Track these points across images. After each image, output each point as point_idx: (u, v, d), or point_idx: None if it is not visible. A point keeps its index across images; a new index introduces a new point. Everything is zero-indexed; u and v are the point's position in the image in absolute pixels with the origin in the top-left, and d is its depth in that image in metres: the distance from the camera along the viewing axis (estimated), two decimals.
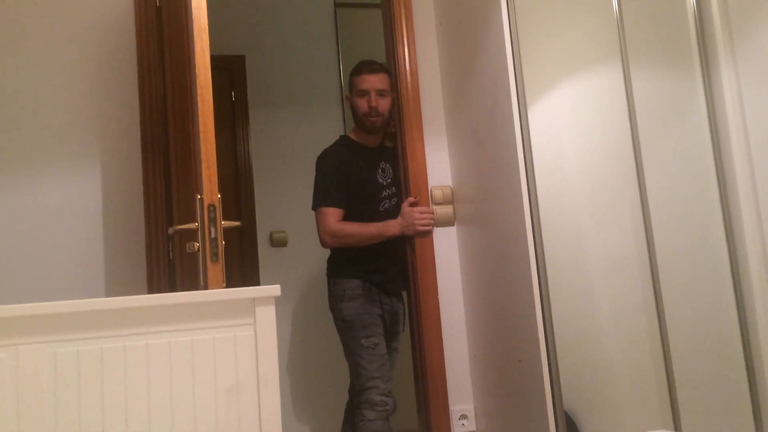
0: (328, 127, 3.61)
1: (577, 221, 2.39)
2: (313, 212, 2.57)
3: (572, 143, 2.42)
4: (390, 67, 2.78)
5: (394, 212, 2.66)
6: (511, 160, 2.18)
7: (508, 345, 2.33)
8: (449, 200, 2.76)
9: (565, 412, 2.10)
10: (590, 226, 2.40)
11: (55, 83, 2.49)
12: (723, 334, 2.33)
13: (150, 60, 2.53)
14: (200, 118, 1.67)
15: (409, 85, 2.76)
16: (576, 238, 2.38)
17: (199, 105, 1.67)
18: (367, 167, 2.63)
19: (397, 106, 2.74)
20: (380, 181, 2.65)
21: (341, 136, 2.74)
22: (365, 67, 2.61)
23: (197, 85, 1.67)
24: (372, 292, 2.54)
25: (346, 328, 2.50)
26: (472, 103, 2.53)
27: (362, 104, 2.58)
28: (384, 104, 2.60)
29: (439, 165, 2.78)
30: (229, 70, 3.70)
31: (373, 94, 2.57)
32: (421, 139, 2.75)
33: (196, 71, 1.68)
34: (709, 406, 2.29)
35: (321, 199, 2.55)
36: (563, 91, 2.41)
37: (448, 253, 2.74)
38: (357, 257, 2.56)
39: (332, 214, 2.52)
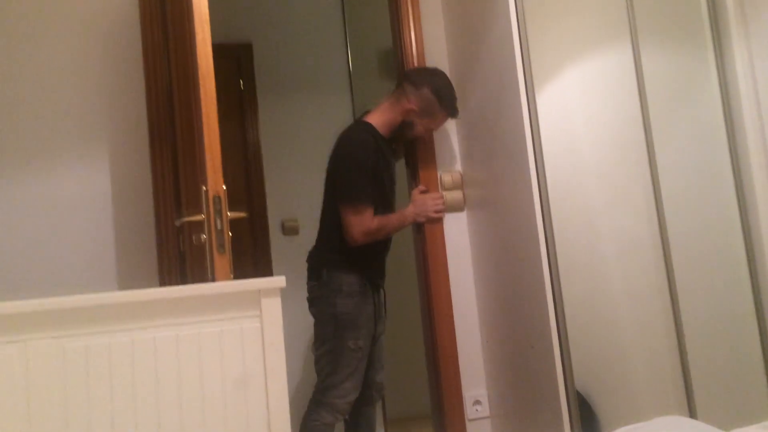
0: (337, 113, 3.60)
1: (589, 203, 2.36)
2: (343, 205, 2.36)
3: (582, 124, 2.39)
4: (396, 51, 2.75)
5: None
6: (519, 143, 2.15)
7: (520, 330, 2.31)
8: (459, 185, 2.73)
9: (580, 394, 2.09)
10: (602, 208, 2.37)
11: (62, 75, 2.49)
12: (738, 314, 2.30)
13: (155, 49, 2.51)
14: (203, 109, 1.67)
15: None
16: (587, 220, 2.36)
17: (202, 95, 1.67)
18: (386, 163, 2.47)
19: None
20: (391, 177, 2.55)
21: (365, 123, 2.47)
22: (456, 111, 2.54)
23: (199, 75, 1.66)
24: (366, 288, 2.39)
25: (335, 325, 2.34)
26: (479, 86, 2.50)
27: (422, 131, 2.55)
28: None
29: (447, 150, 2.76)
30: (236, 59, 3.69)
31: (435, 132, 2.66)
32: None
33: (198, 61, 1.67)
34: (724, 388, 2.27)
35: (358, 195, 2.35)
36: (572, 72, 2.37)
37: (458, 238, 2.72)
38: (364, 251, 2.39)
39: (370, 213, 2.34)
